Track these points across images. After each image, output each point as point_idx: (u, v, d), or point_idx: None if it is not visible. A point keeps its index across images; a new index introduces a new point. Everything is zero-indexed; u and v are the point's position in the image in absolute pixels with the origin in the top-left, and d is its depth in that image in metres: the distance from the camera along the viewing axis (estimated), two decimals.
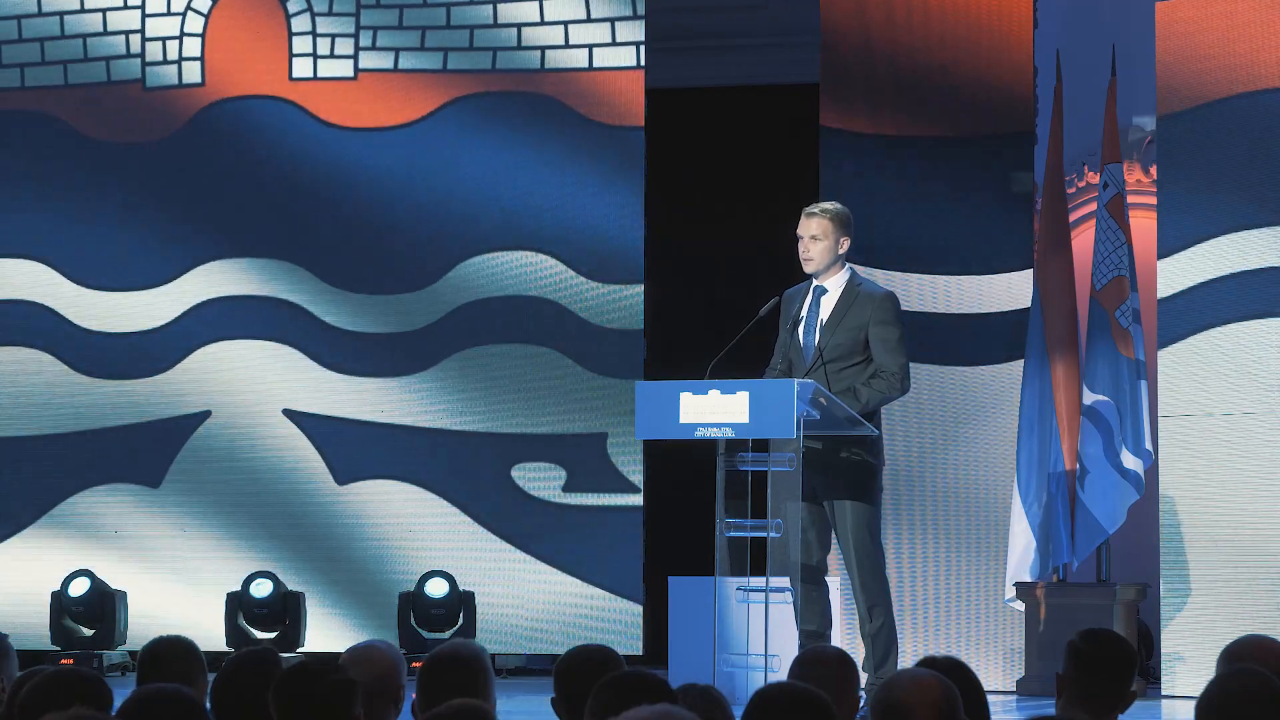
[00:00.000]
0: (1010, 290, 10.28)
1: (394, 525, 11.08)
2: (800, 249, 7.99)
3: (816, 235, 7.96)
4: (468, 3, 11.22)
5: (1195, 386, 9.61)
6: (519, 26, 11.16)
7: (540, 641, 10.93)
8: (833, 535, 7.93)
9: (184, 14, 11.40)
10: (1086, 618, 9.13)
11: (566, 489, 10.95)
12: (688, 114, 12.14)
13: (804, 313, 7.98)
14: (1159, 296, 9.72)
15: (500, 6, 11.18)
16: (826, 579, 8.01)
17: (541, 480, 10.98)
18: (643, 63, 11.03)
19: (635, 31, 11.05)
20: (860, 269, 8.57)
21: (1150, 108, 10.09)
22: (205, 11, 11.39)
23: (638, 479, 10.86)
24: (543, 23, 11.14)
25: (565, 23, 11.12)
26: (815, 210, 8.01)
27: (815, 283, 8.02)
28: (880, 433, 7.94)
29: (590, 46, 11.09)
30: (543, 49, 11.13)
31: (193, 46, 11.40)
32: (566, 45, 11.11)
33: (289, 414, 11.18)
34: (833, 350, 7.89)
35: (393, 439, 11.10)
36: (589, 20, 11.10)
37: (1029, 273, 10.18)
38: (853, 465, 7.80)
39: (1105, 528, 9.75)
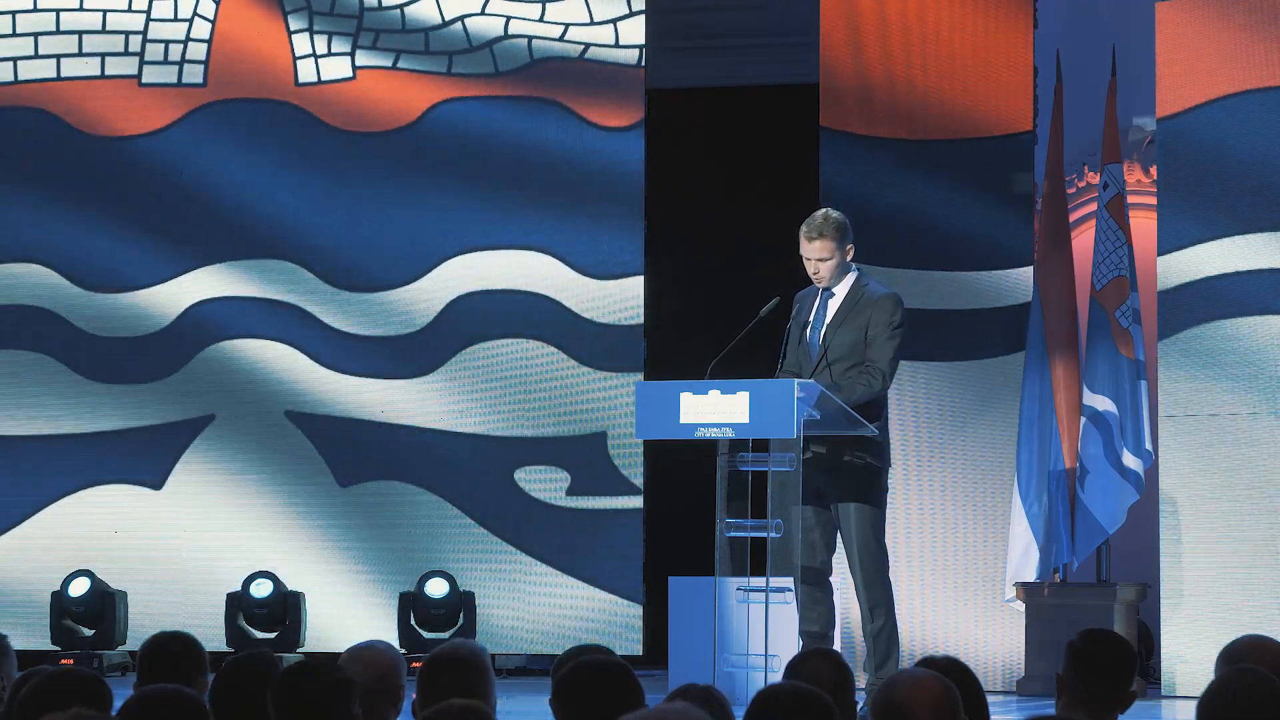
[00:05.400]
0: (1009, 285, 10.27)
1: (394, 525, 11.08)
2: (809, 269, 8.00)
3: (824, 256, 7.96)
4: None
5: (1196, 387, 9.61)
6: (516, 23, 11.16)
7: (540, 641, 10.93)
8: (838, 537, 7.95)
9: (191, 19, 11.39)
10: (1086, 618, 9.13)
11: (570, 492, 10.95)
12: (688, 114, 12.14)
13: (812, 315, 8.01)
14: (1159, 289, 9.71)
15: (499, 4, 11.18)
16: (830, 580, 8.01)
17: (543, 483, 10.97)
18: (643, 62, 11.03)
19: (636, 31, 11.05)
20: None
21: (1150, 108, 10.09)
22: (210, 16, 11.38)
23: (638, 480, 10.86)
24: (542, 20, 11.14)
25: (565, 24, 11.12)
26: (814, 233, 7.96)
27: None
28: (888, 434, 7.95)
29: (588, 45, 11.09)
30: (542, 48, 11.13)
31: (196, 49, 11.40)
32: (565, 43, 11.11)
33: (290, 415, 11.18)
34: (836, 350, 7.91)
35: (394, 439, 11.10)
36: (591, 23, 11.10)
37: (1028, 269, 10.18)
38: (857, 468, 7.82)
39: (1105, 528, 9.76)
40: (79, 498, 11.30)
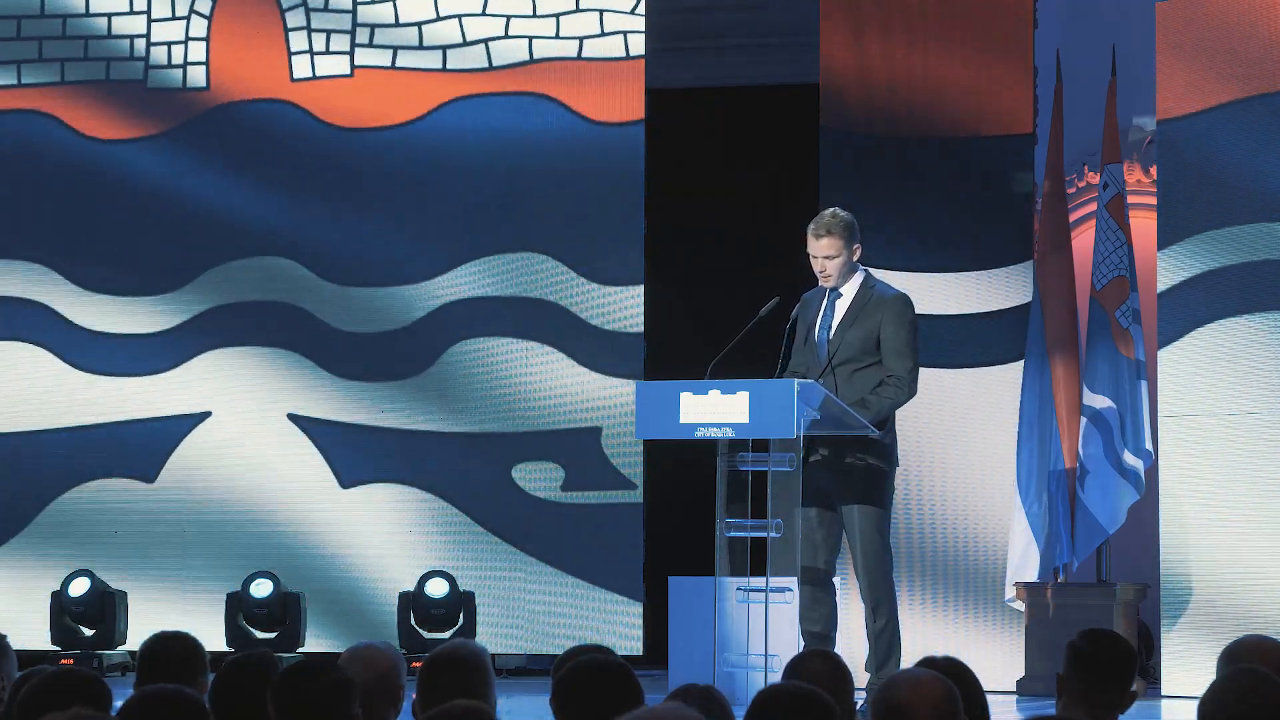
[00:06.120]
0: (1009, 286, 10.27)
1: (394, 525, 11.08)
2: (816, 267, 8.00)
3: (831, 254, 7.96)
4: None
5: (1195, 386, 9.60)
6: (516, 22, 11.17)
7: (540, 641, 10.93)
8: (843, 538, 7.95)
9: (188, 17, 11.39)
10: (1086, 618, 9.13)
11: (565, 487, 10.95)
12: (688, 114, 12.14)
13: (819, 316, 8.01)
14: (1158, 289, 9.71)
15: (498, 3, 11.18)
16: (832, 580, 8.02)
17: (540, 479, 10.98)
18: (643, 53, 11.02)
19: (636, 30, 11.05)
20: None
21: (1150, 108, 10.08)
22: (207, 14, 11.38)
23: (638, 479, 10.85)
24: (540, 19, 11.14)
25: (559, 14, 11.12)
26: (822, 231, 7.98)
27: (830, 286, 8.04)
28: (894, 436, 7.95)
29: (582, 38, 11.09)
30: (542, 47, 11.13)
31: (196, 50, 11.39)
32: (564, 41, 11.11)
33: (293, 418, 11.18)
34: (844, 352, 7.91)
35: (393, 440, 11.10)
36: (587, 19, 11.10)
37: (1028, 266, 10.18)
38: (863, 470, 7.82)
39: (1105, 528, 9.76)
40: (73, 494, 11.29)
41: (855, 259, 8.02)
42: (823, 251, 7.96)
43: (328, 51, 11.29)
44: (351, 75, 11.26)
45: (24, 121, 11.49)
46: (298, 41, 11.32)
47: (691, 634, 9.01)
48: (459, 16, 11.21)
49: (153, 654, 4.97)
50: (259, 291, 11.25)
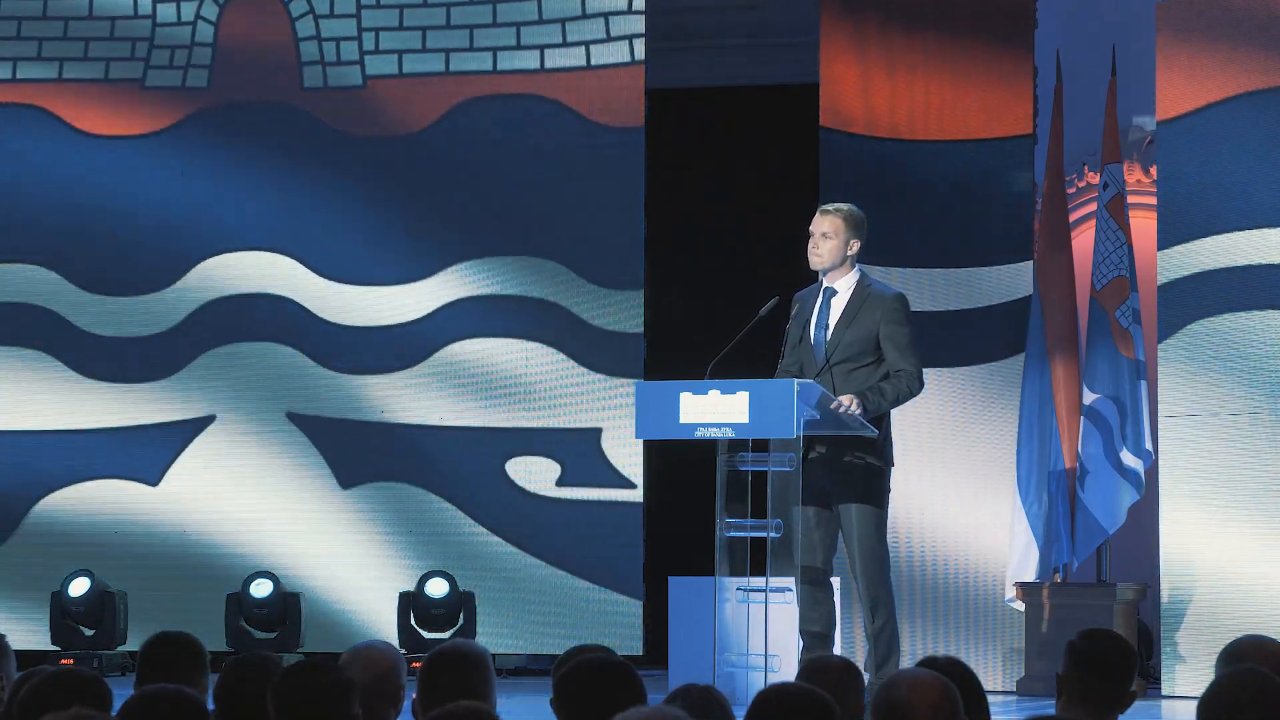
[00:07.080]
0: (1009, 280, 10.27)
1: (394, 525, 11.08)
2: (810, 244, 8.00)
3: (827, 233, 7.96)
4: (467, 2, 11.22)
5: (1196, 386, 9.61)
6: (518, 25, 11.17)
7: (540, 641, 10.93)
8: (839, 538, 7.94)
9: (194, 22, 11.39)
10: (1086, 618, 9.13)
11: (560, 483, 10.94)
12: (688, 114, 12.14)
13: (814, 314, 7.99)
14: (1159, 284, 9.72)
15: (499, 5, 11.18)
16: (831, 580, 8.01)
17: (538, 476, 10.98)
18: (641, 58, 11.02)
19: (636, 32, 11.05)
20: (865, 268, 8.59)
21: (1150, 108, 10.09)
22: (214, 19, 11.37)
23: (638, 478, 10.86)
24: (540, 20, 11.14)
25: (563, 19, 11.12)
26: (830, 208, 8.02)
27: (825, 284, 8.03)
28: (890, 434, 7.95)
29: (587, 44, 11.09)
30: (541, 48, 11.14)
31: (201, 54, 11.39)
32: (564, 43, 11.11)
33: (291, 416, 11.18)
34: (843, 351, 7.90)
35: (394, 438, 11.10)
36: (589, 23, 11.10)
37: (1027, 266, 10.19)
38: (860, 469, 7.81)
39: (1105, 528, 9.76)
40: (73, 493, 11.29)
41: (851, 253, 8.01)
42: (820, 228, 7.97)
43: (339, 61, 11.28)
44: (361, 84, 11.25)
45: (23, 118, 11.49)
46: (308, 49, 11.31)
47: (691, 634, 9.02)
48: (470, 27, 11.21)
49: (153, 654, 4.96)
50: (257, 289, 11.25)
